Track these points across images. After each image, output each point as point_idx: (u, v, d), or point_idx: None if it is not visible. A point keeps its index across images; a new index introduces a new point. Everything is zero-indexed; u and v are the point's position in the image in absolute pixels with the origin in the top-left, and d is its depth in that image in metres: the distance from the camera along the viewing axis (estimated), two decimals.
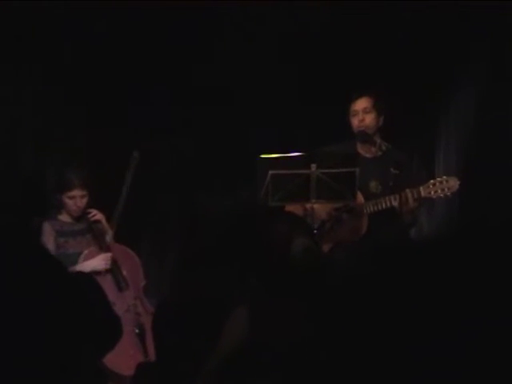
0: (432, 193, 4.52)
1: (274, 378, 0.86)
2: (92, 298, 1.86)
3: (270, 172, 4.18)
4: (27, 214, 4.48)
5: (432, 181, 4.56)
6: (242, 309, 1.43)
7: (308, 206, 4.32)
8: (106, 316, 1.98)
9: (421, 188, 4.50)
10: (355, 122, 4.74)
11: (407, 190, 4.48)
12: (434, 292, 0.85)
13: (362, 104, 4.74)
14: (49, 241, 4.53)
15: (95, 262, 4.55)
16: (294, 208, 4.34)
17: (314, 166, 4.26)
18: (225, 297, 1.63)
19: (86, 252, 4.61)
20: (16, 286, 1.38)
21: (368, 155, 4.78)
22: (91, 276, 2.63)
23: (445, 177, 4.62)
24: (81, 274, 1.81)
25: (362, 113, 4.72)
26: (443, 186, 4.52)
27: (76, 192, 4.55)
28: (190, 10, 5.42)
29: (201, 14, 5.46)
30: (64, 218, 4.66)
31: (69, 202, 4.58)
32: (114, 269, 4.64)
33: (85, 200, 4.59)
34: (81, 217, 4.66)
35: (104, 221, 4.68)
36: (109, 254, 4.62)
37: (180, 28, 5.49)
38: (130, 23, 5.44)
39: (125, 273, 4.70)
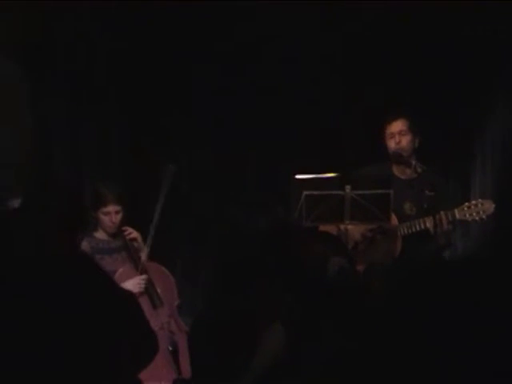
0: (467, 215, 4.51)
1: None
2: (130, 313, 1.89)
3: (305, 192, 4.20)
4: (69, 230, 4.53)
5: (467, 203, 4.55)
6: (279, 324, 1.45)
7: (342, 227, 4.33)
8: (143, 331, 2.02)
9: (456, 210, 4.50)
10: (391, 144, 4.76)
11: (442, 213, 4.48)
12: (468, 313, 0.86)
13: (398, 126, 4.76)
14: None
15: (130, 285, 4.56)
16: (328, 229, 4.35)
17: (348, 188, 4.27)
18: (259, 314, 1.64)
19: (121, 270, 4.64)
20: (61, 296, 1.41)
21: (403, 177, 4.79)
22: (130, 292, 2.66)
23: (480, 200, 4.61)
24: (120, 289, 1.84)
25: (399, 135, 4.74)
26: (478, 208, 4.51)
27: (111, 208, 4.58)
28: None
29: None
30: (100, 235, 4.70)
31: (104, 219, 4.62)
32: (148, 287, 4.67)
33: (119, 216, 4.62)
34: (116, 234, 4.70)
35: (140, 239, 4.72)
36: (144, 276, 4.63)
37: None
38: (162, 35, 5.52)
39: (159, 291, 4.72)
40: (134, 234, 4.71)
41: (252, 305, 1.71)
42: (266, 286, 1.71)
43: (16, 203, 4.42)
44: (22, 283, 1.46)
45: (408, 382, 0.86)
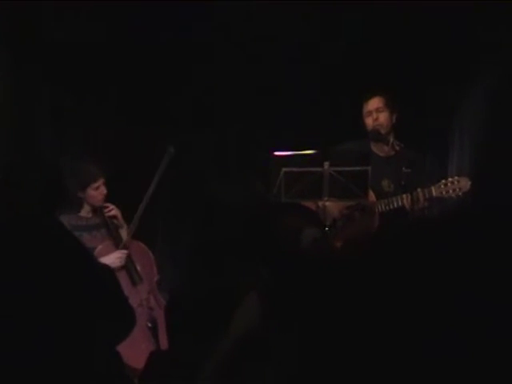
0: (443, 193, 4.55)
1: (280, 365, 0.91)
2: (108, 287, 1.91)
3: (283, 169, 4.22)
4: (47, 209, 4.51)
5: (444, 180, 4.58)
6: (253, 295, 1.48)
7: (320, 203, 4.36)
8: (120, 305, 2.03)
9: (432, 188, 4.53)
10: (369, 121, 4.79)
11: (419, 190, 4.51)
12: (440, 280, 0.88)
13: (375, 104, 4.79)
14: None
15: (110, 260, 4.57)
16: (306, 205, 4.38)
17: (326, 164, 4.29)
18: (236, 287, 1.67)
19: (100, 247, 4.65)
20: (40, 270, 1.43)
21: (381, 154, 4.82)
22: (108, 268, 2.68)
23: (456, 177, 4.65)
24: (98, 263, 1.86)
25: (376, 112, 4.78)
26: (455, 186, 4.55)
27: (100, 181, 4.59)
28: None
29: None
30: (82, 213, 4.69)
31: (94, 194, 4.60)
32: (128, 263, 4.69)
33: (105, 187, 4.63)
34: (97, 210, 4.70)
35: (120, 216, 4.72)
36: (124, 251, 4.65)
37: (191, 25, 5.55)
38: (156, 22, 5.51)
39: (138, 267, 4.74)
40: (114, 211, 4.71)
41: (228, 279, 1.74)
42: (242, 259, 1.73)
43: None
44: (5, 258, 1.47)
45: (375, 358, 0.88)
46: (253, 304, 1.47)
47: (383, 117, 4.78)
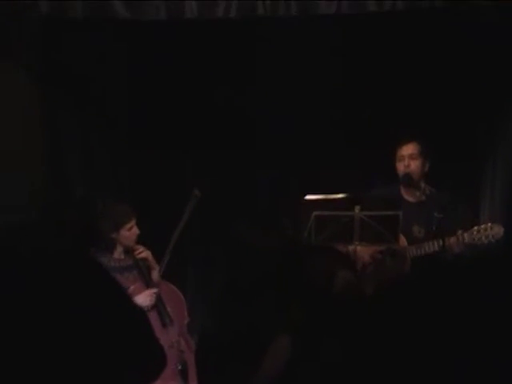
0: (476, 239, 4.51)
1: None
2: (138, 326, 1.93)
3: (314, 213, 4.23)
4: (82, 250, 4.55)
5: (476, 227, 4.55)
6: (284, 337, 1.48)
7: (351, 247, 4.36)
8: (151, 345, 2.05)
9: (465, 234, 4.51)
10: (401, 167, 4.79)
11: (450, 236, 4.49)
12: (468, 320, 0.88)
13: (408, 149, 4.80)
14: None
15: (141, 299, 4.58)
16: (338, 248, 4.37)
17: (357, 208, 4.30)
18: (266, 329, 1.68)
19: (132, 288, 4.67)
20: (73, 307, 1.45)
21: (412, 199, 4.81)
22: (140, 308, 2.70)
23: (490, 224, 4.62)
24: (130, 302, 1.87)
25: (408, 159, 4.78)
26: (487, 232, 4.52)
27: (133, 222, 4.64)
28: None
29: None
30: (115, 254, 4.72)
31: (127, 234, 4.64)
32: (158, 305, 4.69)
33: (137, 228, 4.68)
34: (128, 253, 4.73)
35: (151, 257, 4.74)
36: (154, 290, 4.66)
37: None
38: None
39: (169, 309, 4.75)
40: (145, 252, 4.73)
41: (259, 320, 1.74)
42: (273, 301, 1.74)
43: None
44: (38, 295, 1.49)
45: None
46: (283, 346, 1.47)
47: (415, 164, 4.78)
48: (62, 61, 5.47)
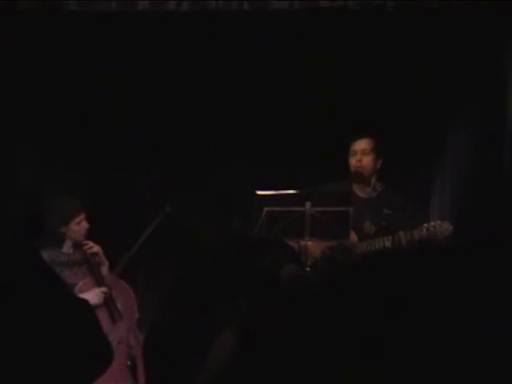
0: (425, 236, 4.56)
1: None
2: (85, 321, 1.90)
3: (266, 208, 4.24)
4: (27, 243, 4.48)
5: (426, 224, 4.61)
6: (229, 331, 1.47)
7: (302, 243, 4.37)
8: (98, 340, 2.02)
9: (414, 231, 4.55)
10: (352, 161, 4.82)
11: (401, 233, 4.53)
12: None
13: (361, 145, 4.82)
14: None
15: (89, 296, 4.54)
16: (287, 242, 4.37)
17: (308, 204, 4.31)
18: (215, 324, 1.67)
19: (80, 283, 4.63)
20: (16, 302, 1.43)
21: (363, 195, 4.84)
22: (87, 303, 2.66)
23: (439, 221, 4.67)
24: (77, 298, 1.85)
25: (361, 154, 4.80)
26: (436, 229, 4.57)
27: (82, 215, 4.59)
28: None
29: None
30: (64, 248, 4.67)
31: (76, 228, 4.60)
32: (108, 301, 4.66)
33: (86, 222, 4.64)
34: (78, 247, 4.68)
35: (101, 252, 4.71)
36: (102, 289, 4.63)
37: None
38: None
39: (119, 305, 4.72)
40: (95, 248, 4.69)
41: (206, 315, 1.73)
42: (220, 295, 1.73)
43: None
44: None
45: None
46: (227, 340, 1.47)
47: (367, 160, 4.80)
48: (11, 54, 5.38)
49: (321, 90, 5.57)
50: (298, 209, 4.30)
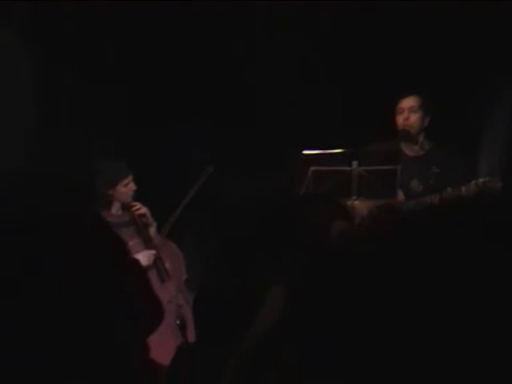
0: (474, 193, 4.51)
1: (308, 356, 0.91)
2: (137, 282, 1.92)
3: (312, 168, 4.22)
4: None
5: (474, 181, 4.55)
6: (277, 289, 1.48)
7: (349, 202, 4.35)
8: (149, 299, 2.05)
9: (463, 187, 4.50)
10: (400, 120, 4.77)
11: (448, 189, 4.48)
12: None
13: (408, 103, 4.76)
14: None
15: (139, 257, 4.58)
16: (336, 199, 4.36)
17: (355, 163, 4.29)
18: (263, 283, 1.68)
19: (130, 244, 4.66)
20: (75, 260, 1.44)
21: (410, 154, 4.79)
22: (138, 262, 2.69)
23: (488, 177, 4.61)
24: (130, 259, 1.87)
25: (408, 112, 4.74)
26: (485, 185, 4.51)
27: (130, 178, 4.63)
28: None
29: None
30: (112, 210, 4.72)
31: (123, 190, 4.63)
32: (157, 261, 4.71)
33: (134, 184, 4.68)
34: (126, 209, 4.72)
35: (148, 214, 4.74)
36: (152, 252, 4.68)
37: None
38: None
39: (167, 265, 4.77)
40: (143, 209, 4.73)
41: (255, 272, 1.74)
42: (269, 254, 1.73)
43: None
44: (37, 248, 1.48)
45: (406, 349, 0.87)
46: (276, 298, 1.47)
47: (414, 117, 4.75)
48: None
49: (367, 48, 5.50)
50: (344, 168, 4.28)
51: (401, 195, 4.59)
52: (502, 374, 0.83)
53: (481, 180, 4.56)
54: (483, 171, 5.43)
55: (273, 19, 5.56)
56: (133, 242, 4.68)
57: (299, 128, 5.45)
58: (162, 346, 3.82)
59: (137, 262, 2.96)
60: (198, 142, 5.53)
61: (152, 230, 4.76)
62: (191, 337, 4.21)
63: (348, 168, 4.28)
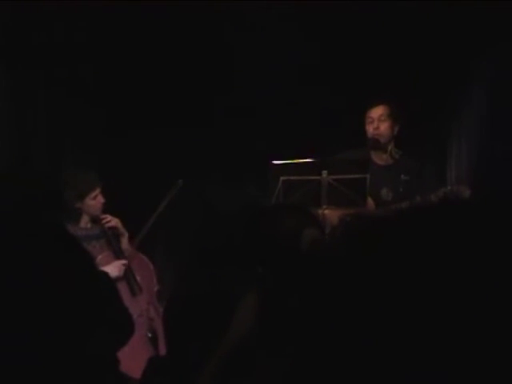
0: None
1: (281, 366, 0.90)
2: (107, 295, 1.90)
3: (282, 178, 4.22)
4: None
5: (443, 189, 4.58)
6: (251, 298, 1.47)
7: (319, 211, 4.36)
8: (119, 313, 2.03)
9: (432, 195, 4.53)
10: (370, 129, 4.79)
11: (418, 197, 4.51)
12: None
13: (377, 112, 4.78)
14: None
15: (109, 269, 4.55)
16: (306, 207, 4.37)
17: (325, 173, 4.29)
18: (234, 290, 1.67)
19: (100, 257, 4.63)
20: (39, 274, 1.42)
21: (380, 162, 4.82)
22: (108, 276, 2.67)
23: (456, 186, 4.64)
24: (97, 271, 1.84)
25: (377, 121, 4.77)
26: (454, 193, 4.54)
27: (97, 190, 4.59)
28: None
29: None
30: (81, 224, 4.68)
31: (92, 203, 4.59)
32: (127, 274, 4.68)
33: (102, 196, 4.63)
34: (96, 221, 4.69)
35: (119, 225, 4.71)
36: (122, 262, 4.64)
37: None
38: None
39: (138, 278, 4.73)
40: (113, 221, 4.69)
41: (227, 283, 1.73)
42: (240, 262, 1.73)
43: None
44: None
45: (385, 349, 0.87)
46: (250, 306, 1.47)
47: (384, 126, 4.77)
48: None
49: (337, 56, 5.53)
50: (314, 177, 4.28)
51: (371, 203, 4.61)
52: (502, 374, 0.82)
53: (449, 188, 4.60)
54: (452, 179, 5.48)
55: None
56: (103, 255, 4.65)
57: (269, 138, 5.46)
58: (134, 359, 3.80)
59: (107, 275, 2.93)
60: (168, 152, 5.51)
61: (124, 241, 4.72)
62: (162, 349, 4.19)
63: (318, 177, 4.29)
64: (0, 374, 1.37)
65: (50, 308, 1.46)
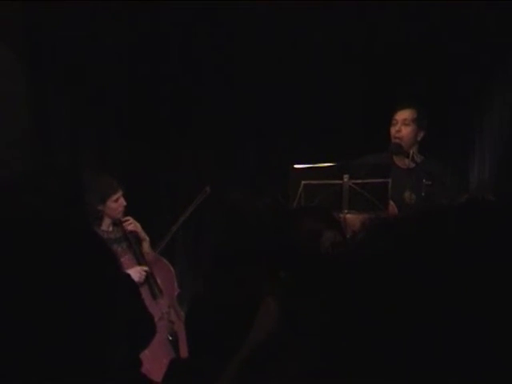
0: None
1: (302, 368, 0.89)
2: (129, 298, 1.91)
3: (303, 182, 4.21)
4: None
5: (466, 195, 4.54)
6: (272, 300, 1.47)
7: (340, 216, 4.34)
8: (141, 316, 2.04)
9: (455, 201, 4.49)
10: (392, 131, 4.76)
11: (443, 202, 4.48)
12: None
13: (403, 115, 4.74)
14: None
15: (131, 274, 4.56)
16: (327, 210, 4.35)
17: (346, 177, 4.28)
18: (256, 293, 1.67)
19: (121, 260, 4.64)
20: (63, 274, 1.43)
21: (402, 166, 4.79)
22: (129, 277, 2.68)
23: (479, 191, 4.61)
24: (122, 274, 1.86)
25: (401, 124, 4.73)
26: (477, 200, 4.50)
27: (119, 193, 4.60)
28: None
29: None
30: (103, 227, 4.69)
31: (113, 206, 4.61)
32: (149, 277, 4.69)
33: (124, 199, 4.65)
34: (117, 225, 4.70)
35: (140, 229, 4.73)
36: (144, 268, 4.65)
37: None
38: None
39: (159, 281, 4.74)
40: (133, 225, 4.71)
41: (248, 286, 1.73)
42: (262, 266, 1.73)
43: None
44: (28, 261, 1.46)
45: (402, 353, 0.86)
46: (271, 310, 1.46)
47: (406, 130, 4.73)
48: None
49: (366, 58, 5.52)
50: (335, 182, 4.27)
51: (394, 207, 4.59)
52: (502, 375, 0.82)
53: (473, 194, 4.56)
54: (474, 185, 5.45)
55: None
56: (124, 258, 4.66)
57: (291, 142, 5.45)
58: (155, 362, 3.81)
59: (129, 277, 2.95)
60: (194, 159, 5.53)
61: (145, 245, 4.74)
62: (184, 352, 4.19)
63: (339, 181, 4.27)
64: (21, 374, 1.38)
65: (74, 308, 1.46)
